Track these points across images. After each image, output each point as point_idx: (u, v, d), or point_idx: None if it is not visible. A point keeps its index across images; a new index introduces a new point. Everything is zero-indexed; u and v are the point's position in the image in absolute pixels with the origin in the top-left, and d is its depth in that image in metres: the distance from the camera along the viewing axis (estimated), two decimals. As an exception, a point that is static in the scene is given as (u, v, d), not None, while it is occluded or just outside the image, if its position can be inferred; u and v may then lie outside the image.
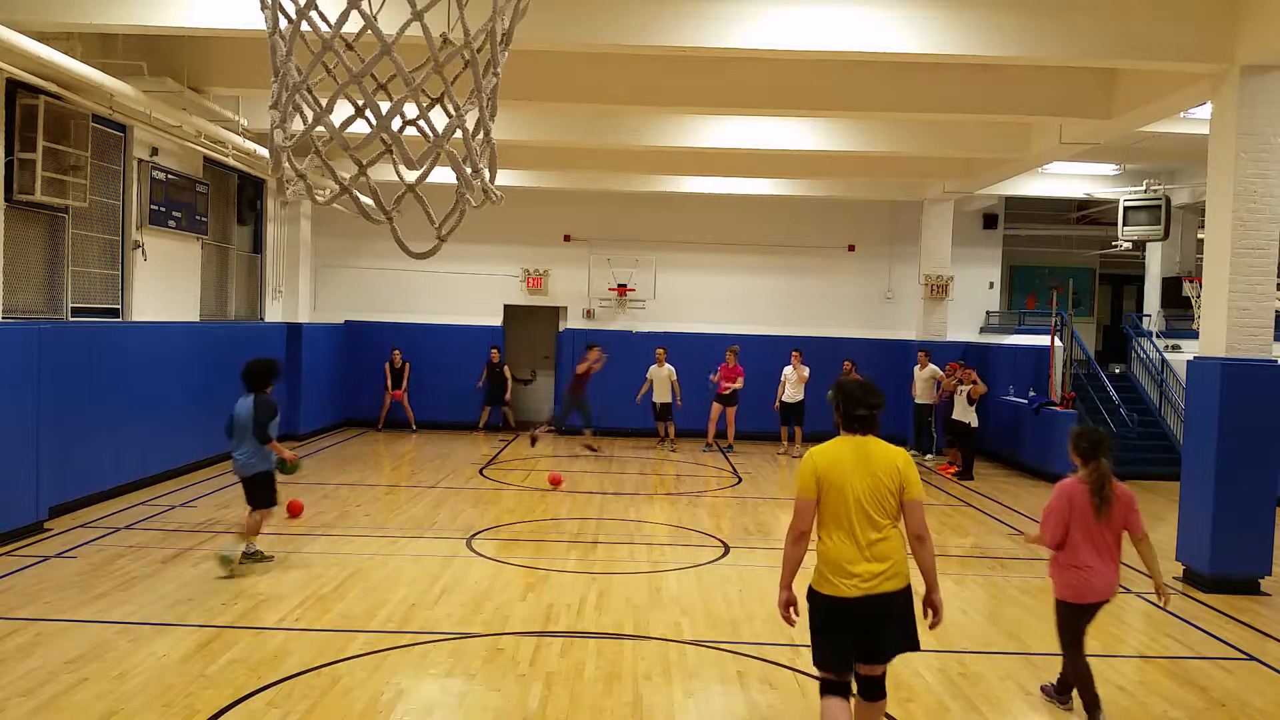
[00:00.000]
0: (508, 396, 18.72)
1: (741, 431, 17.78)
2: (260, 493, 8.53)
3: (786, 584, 4.75)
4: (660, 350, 17.83)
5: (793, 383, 17.10)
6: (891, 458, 4.59)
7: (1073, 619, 5.84)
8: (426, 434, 18.51)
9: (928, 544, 4.60)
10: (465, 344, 19.38)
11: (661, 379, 17.52)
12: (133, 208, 12.33)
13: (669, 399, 17.50)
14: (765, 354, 18.60)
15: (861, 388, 4.69)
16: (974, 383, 15.03)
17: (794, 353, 17.30)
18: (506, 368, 18.73)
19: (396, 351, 18.87)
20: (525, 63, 9.29)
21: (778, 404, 17.31)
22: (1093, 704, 5.65)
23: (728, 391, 17.44)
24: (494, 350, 18.64)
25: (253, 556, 8.54)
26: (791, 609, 4.78)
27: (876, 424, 4.63)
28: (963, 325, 19.44)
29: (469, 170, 3.97)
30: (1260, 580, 8.96)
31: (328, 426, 18.52)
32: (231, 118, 12.67)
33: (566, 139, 13.74)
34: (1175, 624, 7.95)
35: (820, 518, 4.60)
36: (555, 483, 13.36)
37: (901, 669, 6.54)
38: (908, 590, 4.58)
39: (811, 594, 4.70)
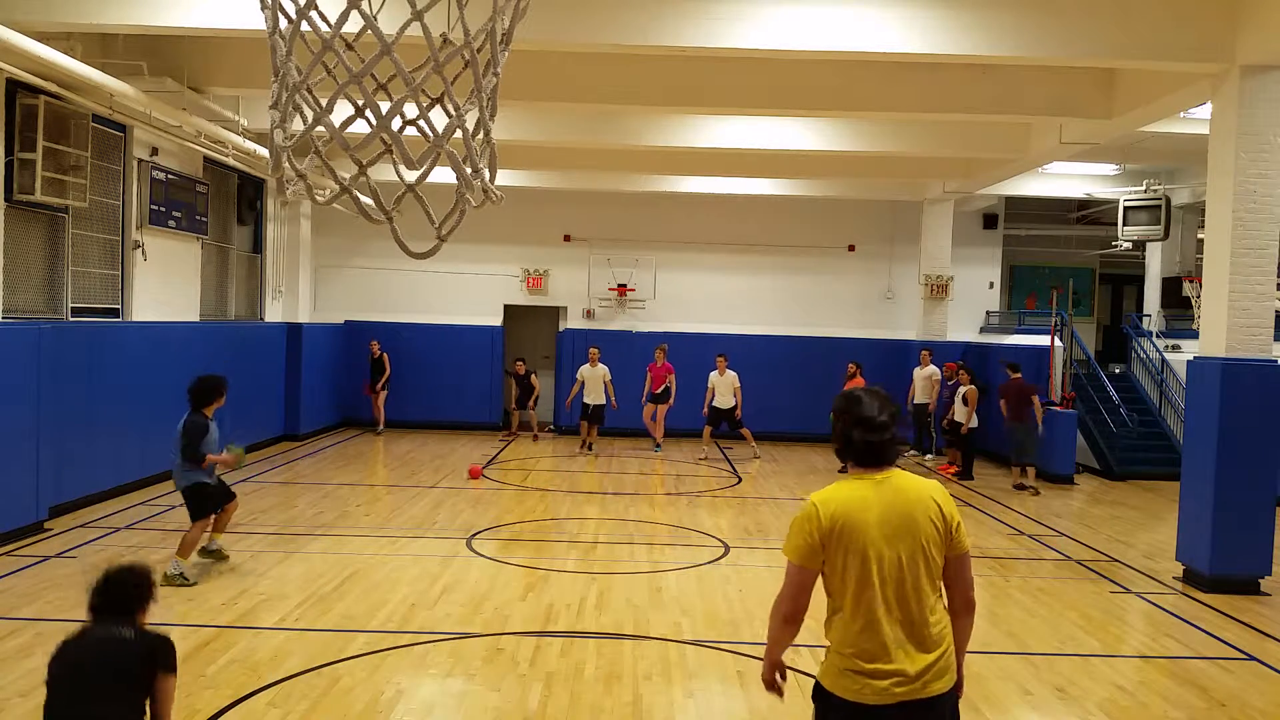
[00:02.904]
0: (532, 403, 18.35)
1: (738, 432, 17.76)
2: (196, 505, 8.22)
3: (774, 658, 3.49)
4: (593, 350, 17.17)
5: (721, 388, 16.59)
6: (928, 495, 3.28)
7: None
8: (427, 434, 18.51)
9: (973, 614, 3.39)
10: (465, 344, 19.38)
11: (594, 379, 16.78)
12: (133, 208, 12.33)
13: (602, 400, 16.80)
14: (765, 354, 18.61)
15: (873, 399, 3.36)
16: (969, 384, 15.05)
17: (719, 357, 16.77)
18: (534, 375, 18.33)
19: (375, 343, 18.37)
20: (525, 63, 9.29)
21: (706, 409, 16.80)
22: None
23: (659, 390, 17.20)
24: (519, 362, 18.17)
25: (174, 579, 7.94)
26: (779, 674, 3.51)
27: (894, 450, 3.34)
28: (963, 325, 19.45)
29: (469, 170, 3.97)
30: (1260, 580, 8.96)
31: (328, 426, 18.51)
32: (231, 118, 12.68)
33: (566, 139, 13.75)
34: (1175, 624, 7.96)
35: (832, 592, 3.28)
36: (474, 475, 13.81)
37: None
38: (958, 689, 3.32)
39: (821, 694, 3.32)
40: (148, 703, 3.69)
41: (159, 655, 3.70)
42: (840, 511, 3.22)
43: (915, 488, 3.30)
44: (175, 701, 3.78)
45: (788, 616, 3.32)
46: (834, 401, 3.48)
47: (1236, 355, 8.89)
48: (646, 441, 17.93)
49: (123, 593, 3.82)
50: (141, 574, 3.94)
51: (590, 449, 16.88)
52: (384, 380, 18.34)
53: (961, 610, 3.35)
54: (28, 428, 9.38)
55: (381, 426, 18.44)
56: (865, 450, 3.31)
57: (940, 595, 3.28)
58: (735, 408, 16.58)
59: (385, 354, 18.39)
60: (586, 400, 16.89)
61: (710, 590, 8.38)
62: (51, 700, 3.65)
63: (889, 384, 15.51)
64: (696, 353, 18.70)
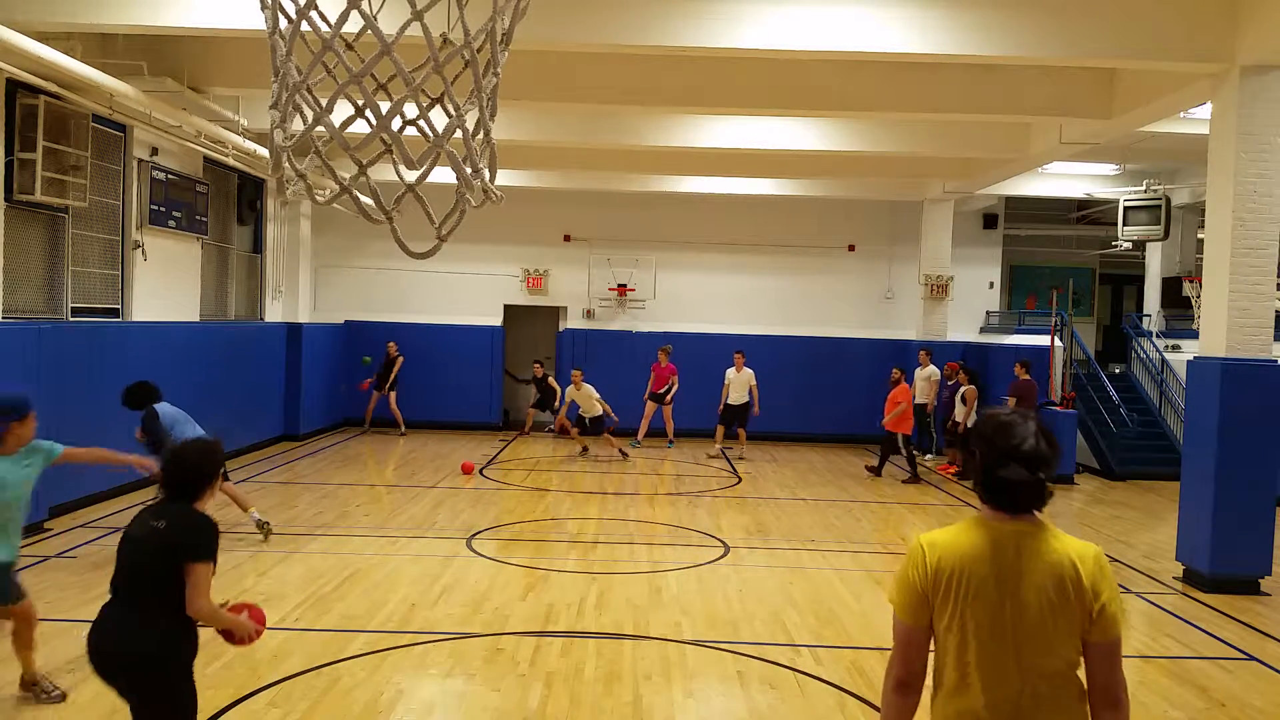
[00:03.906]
0: (557, 404, 17.91)
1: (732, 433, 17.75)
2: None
3: None
4: (576, 371, 16.03)
5: (736, 385, 16.83)
6: (1069, 559, 2.65)
7: None
8: (427, 434, 18.50)
9: (1124, 713, 2.69)
10: (465, 344, 19.38)
11: (584, 399, 16.08)
12: (133, 208, 12.33)
13: (598, 412, 16.02)
14: (765, 354, 18.58)
15: (1028, 427, 2.71)
16: (968, 384, 15.07)
17: (736, 354, 17.01)
18: (551, 378, 18.24)
19: (392, 345, 18.42)
20: (525, 63, 9.29)
21: (722, 407, 16.96)
22: None
23: (661, 391, 17.38)
24: (537, 365, 18.17)
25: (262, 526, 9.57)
26: None
27: (1045, 496, 2.71)
28: (963, 325, 19.45)
29: (469, 170, 3.97)
30: (1260, 580, 8.96)
31: (328, 426, 18.51)
32: (231, 118, 12.67)
33: (566, 139, 13.75)
34: (1175, 624, 7.96)
35: (937, 653, 2.78)
36: (467, 470, 14.19)
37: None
38: None
39: None
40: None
41: (183, 547, 3.82)
42: (952, 559, 2.68)
43: (1055, 547, 2.67)
44: (208, 589, 3.86)
45: (899, 682, 2.78)
46: (977, 425, 2.85)
47: (1236, 355, 8.89)
48: (652, 442, 17.95)
49: (181, 473, 4.00)
50: (202, 453, 4.07)
51: (585, 451, 16.68)
52: (391, 381, 18.33)
53: (1102, 710, 2.67)
54: (28, 428, 9.37)
55: (403, 428, 18.40)
56: (1005, 491, 2.69)
57: (1070, 684, 2.68)
58: (748, 405, 16.76)
59: (401, 358, 18.37)
60: (582, 414, 16.36)
61: (710, 590, 8.38)
62: (114, 574, 3.97)
63: (888, 385, 15.65)
64: (696, 353, 18.75)
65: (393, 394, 18.36)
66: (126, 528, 4.04)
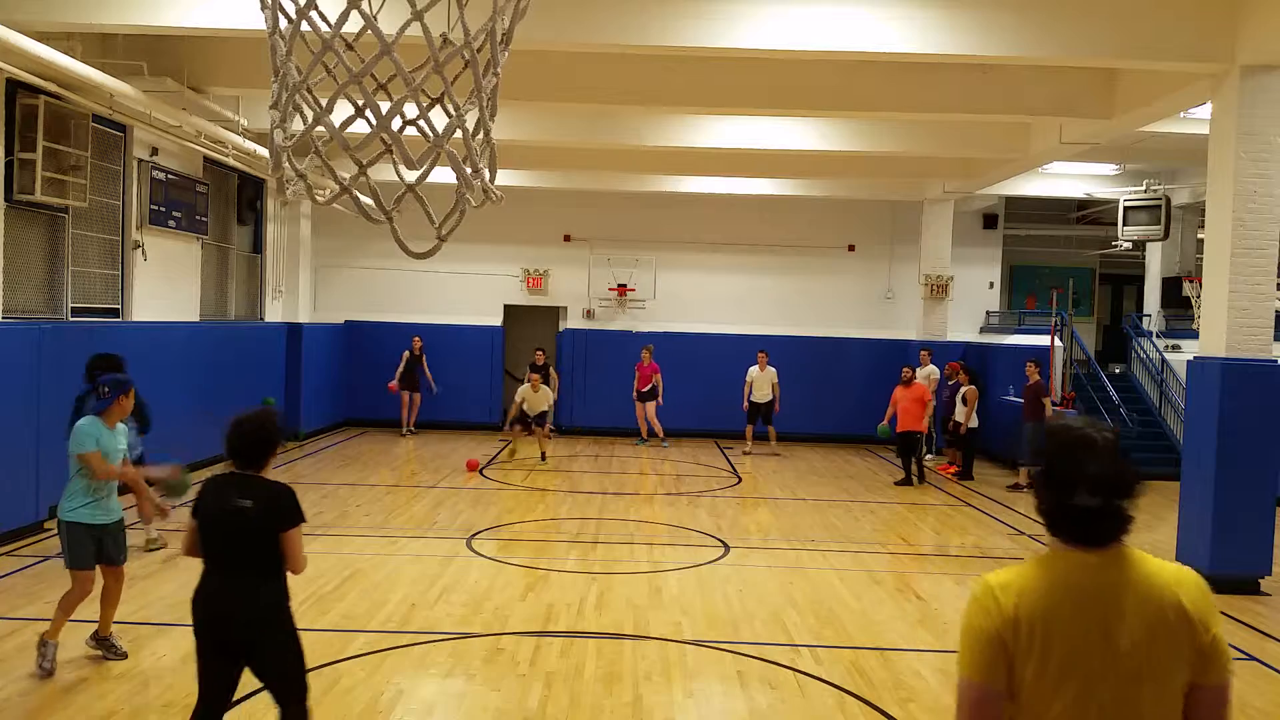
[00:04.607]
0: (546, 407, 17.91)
1: (738, 432, 17.76)
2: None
3: None
4: (534, 376, 15.68)
5: (759, 383, 17.32)
6: (1170, 590, 2.27)
7: None
8: (427, 434, 18.49)
9: None
10: (465, 344, 19.38)
11: (536, 401, 15.44)
12: (133, 208, 12.33)
13: (544, 408, 15.50)
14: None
15: (1105, 442, 2.32)
16: (969, 385, 15.05)
17: (759, 353, 17.47)
18: (552, 367, 17.88)
19: (417, 339, 18.33)
20: (525, 63, 9.28)
21: (746, 404, 17.44)
22: None
23: (646, 389, 17.68)
24: (539, 352, 17.60)
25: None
26: None
27: (1125, 523, 2.30)
28: (963, 325, 19.44)
29: (469, 170, 3.97)
30: (1260, 580, 8.96)
31: (328, 426, 18.51)
32: (231, 118, 12.67)
33: (566, 139, 13.75)
34: (1175, 624, 7.95)
35: (1021, 715, 2.30)
36: (471, 468, 14.41)
37: (902, 669, 6.55)
38: None
39: None
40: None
41: (274, 519, 4.24)
42: (1033, 603, 2.26)
43: (1152, 577, 2.27)
44: (300, 548, 4.31)
45: None
46: (1038, 440, 2.43)
47: (1236, 355, 8.89)
48: (652, 442, 17.97)
49: (251, 441, 4.33)
50: (261, 422, 4.37)
51: (544, 458, 15.63)
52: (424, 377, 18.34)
53: None
54: (28, 428, 9.38)
55: (412, 426, 18.38)
56: (1076, 521, 2.29)
57: None
58: (773, 402, 17.28)
59: (423, 356, 18.31)
60: (526, 410, 15.51)
61: (710, 590, 8.38)
62: (209, 547, 4.32)
63: (888, 384, 15.65)
64: (696, 353, 18.75)
65: (418, 396, 18.28)
66: (204, 502, 4.31)
